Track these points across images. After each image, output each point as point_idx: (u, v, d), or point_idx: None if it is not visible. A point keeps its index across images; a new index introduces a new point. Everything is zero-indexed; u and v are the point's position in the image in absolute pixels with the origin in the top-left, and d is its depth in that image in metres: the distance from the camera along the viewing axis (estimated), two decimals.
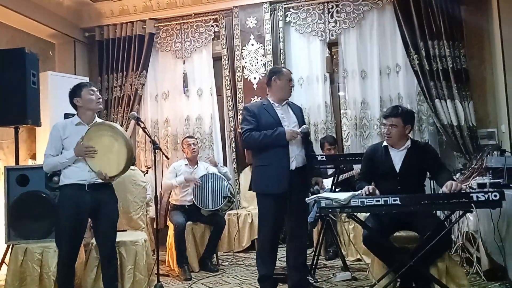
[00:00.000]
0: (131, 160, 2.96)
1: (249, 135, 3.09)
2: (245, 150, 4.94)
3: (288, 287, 3.25)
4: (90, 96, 2.98)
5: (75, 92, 3.00)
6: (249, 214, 4.83)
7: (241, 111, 3.39)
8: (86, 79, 5.22)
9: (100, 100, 3.06)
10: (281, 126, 3.10)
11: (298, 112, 3.33)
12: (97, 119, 3.08)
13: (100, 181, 2.90)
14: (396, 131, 2.97)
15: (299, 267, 3.20)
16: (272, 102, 3.23)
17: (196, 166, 4.43)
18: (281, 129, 3.07)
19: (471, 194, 2.47)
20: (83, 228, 2.97)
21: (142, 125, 3.53)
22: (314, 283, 3.44)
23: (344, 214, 3.63)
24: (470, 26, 4.72)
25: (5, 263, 3.52)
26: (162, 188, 4.38)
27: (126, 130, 5.42)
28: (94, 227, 3.05)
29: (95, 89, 3.04)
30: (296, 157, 3.12)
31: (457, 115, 4.57)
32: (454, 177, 4.10)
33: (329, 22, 5.10)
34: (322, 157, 3.82)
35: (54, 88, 4.68)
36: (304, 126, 3.17)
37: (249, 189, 3.32)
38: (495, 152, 3.67)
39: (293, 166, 3.10)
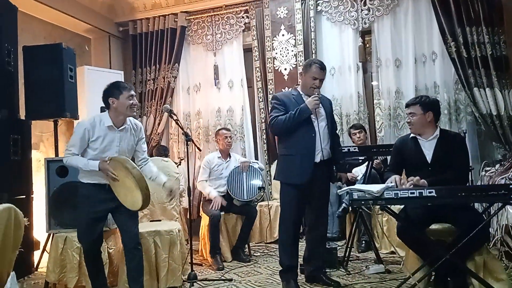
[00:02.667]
0: (146, 204, 2.78)
1: (276, 121, 3.09)
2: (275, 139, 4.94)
3: (305, 277, 3.27)
4: (128, 101, 2.83)
5: (112, 92, 2.85)
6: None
7: (270, 101, 3.39)
8: (120, 73, 5.37)
9: (136, 106, 2.92)
10: (308, 116, 3.07)
11: (327, 104, 3.28)
12: (129, 120, 2.95)
13: None
14: (416, 119, 2.92)
15: (315, 257, 3.23)
16: (301, 92, 3.21)
17: (228, 158, 4.47)
18: (301, 105, 3.05)
19: (510, 186, 2.38)
20: (103, 223, 2.97)
21: (174, 117, 3.58)
22: (347, 275, 3.43)
23: (377, 206, 3.58)
24: (511, 11, 4.50)
25: (47, 251, 3.68)
26: (198, 186, 4.48)
27: (159, 123, 5.54)
28: (115, 220, 3.01)
29: (134, 94, 2.90)
30: (322, 150, 3.11)
31: (496, 104, 4.38)
32: (492, 168, 3.99)
33: (362, 10, 4.99)
34: (354, 148, 3.78)
35: (91, 82, 4.83)
36: (316, 91, 3.10)
37: (274, 178, 3.34)
38: None
39: (318, 158, 3.09)
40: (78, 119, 4.23)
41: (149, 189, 2.72)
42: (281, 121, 3.07)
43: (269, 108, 3.35)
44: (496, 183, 3.41)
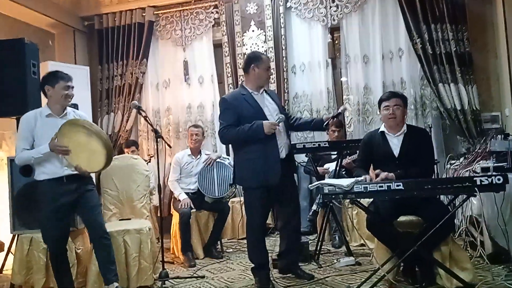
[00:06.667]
0: (110, 158, 2.85)
1: (226, 132, 3.05)
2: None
3: (278, 270, 3.30)
4: (63, 91, 2.85)
5: (48, 80, 2.87)
6: None
7: (219, 103, 3.33)
8: (86, 68, 5.22)
9: (72, 97, 2.92)
10: (262, 115, 3.05)
11: (276, 98, 3.30)
12: (68, 109, 2.96)
13: (76, 172, 2.81)
14: (400, 112, 2.99)
15: (291, 251, 3.25)
16: (250, 90, 3.15)
17: (199, 156, 4.42)
18: (258, 122, 2.98)
19: (474, 178, 2.47)
20: (68, 219, 2.96)
21: (143, 114, 3.53)
22: (318, 268, 3.47)
23: (347, 200, 3.64)
24: (473, 9, 4.65)
25: (11, 253, 3.56)
26: (169, 186, 4.40)
27: (127, 120, 5.43)
28: (80, 215, 3.04)
29: (72, 85, 2.89)
30: (284, 145, 3.12)
31: (460, 99, 4.53)
32: (457, 161, 4.12)
33: (330, 7, 5.03)
34: (325, 143, 3.82)
35: None
36: (280, 116, 3.08)
37: (233, 183, 3.33)
38: (498, 136, 3.64)
39: (282, 155, 3.09)
40: None
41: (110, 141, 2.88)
42: (232, 134, 3.02)
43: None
44: (461, 175, 3.52)
